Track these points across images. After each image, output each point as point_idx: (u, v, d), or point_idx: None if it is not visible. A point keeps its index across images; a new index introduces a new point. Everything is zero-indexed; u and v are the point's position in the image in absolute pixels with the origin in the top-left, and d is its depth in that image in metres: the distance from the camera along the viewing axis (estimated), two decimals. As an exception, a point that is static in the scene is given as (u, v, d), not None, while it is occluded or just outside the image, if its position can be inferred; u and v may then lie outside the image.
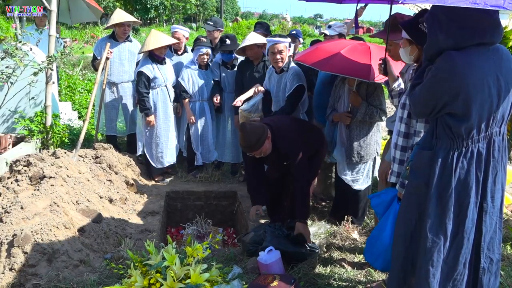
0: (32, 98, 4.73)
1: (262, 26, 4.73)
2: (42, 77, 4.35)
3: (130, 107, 4.96)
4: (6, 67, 4.18)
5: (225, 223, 4.52)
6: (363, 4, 4.33)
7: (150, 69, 4.30)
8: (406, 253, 1.99)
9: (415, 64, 2.43)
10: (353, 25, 4.42)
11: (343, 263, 2.91)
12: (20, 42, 4.25)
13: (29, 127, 4.46)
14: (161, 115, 4.48)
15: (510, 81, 1.77)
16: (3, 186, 3.19)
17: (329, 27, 4.37)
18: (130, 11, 27.06)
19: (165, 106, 4.50)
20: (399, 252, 2.01)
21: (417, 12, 2.83)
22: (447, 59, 1.73)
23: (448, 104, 1.75)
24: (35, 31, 4.89)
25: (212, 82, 4.58)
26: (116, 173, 4.19)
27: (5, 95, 4.39)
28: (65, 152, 3.84)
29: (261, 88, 3.82)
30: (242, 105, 3.84)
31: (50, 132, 4.47)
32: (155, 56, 4.32)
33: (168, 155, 4.63)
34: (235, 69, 4.44)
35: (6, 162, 3.95)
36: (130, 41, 4.91)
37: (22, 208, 2.76)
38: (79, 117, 6.46)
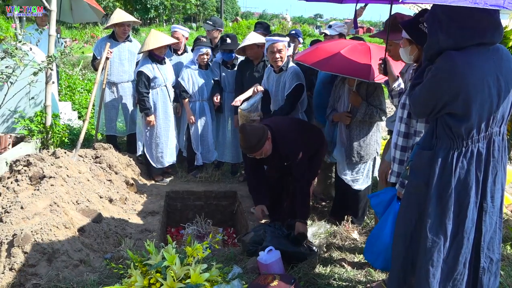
0: (32, 98, 4.73)
1: (262, 26, 4.73)
2: (42, 77, 4.35)
3: (130, 107, 4.96)
4: (6, 67, 4.17)
5: (225, 223, 4.52)
6: (362, 4, 4.33)
7: (150, 69, 4.30)
8: (406, 253, 1.99)
9: (415, 64, 2.43)
10: (353, 26, 4.42)
11: (343, 263, 2.91)
12: (20, 42, 4.25)
13: (29, 127, 4.46)
14: (161, 115, 4.48)
15: (510, 81, 1.77)
16: (3, 186, 3.18)
17: (330, 27, 4.38)
18: (130, 11, 27.06)
19: (165, 106, 4.50)
20: (399, 252, 2.01)
21: (417, 12, 2.84)
22: (447, 59, 1.73)
23: (448, 104, 1.75)
24: (35, 31, 4.88)
25: (212, 82, 4.58)
26: (116, 173, 4.19)
27: (5, 95, 4.39)
28: (65, 152, 3.84)
29: (260, 88, 3.82)
30: (241, 104, 3.84)
31: (50, 132, 4.47)
32: (155, 56, 4.32)
33: (168, 155, 4.63)
34: (235, 68, 4.45)
35: (6, 162, 3.95)
36: (130, 41, 4.91)
37: (22, 208, 2.76)
38: (79, 117, 6.46)
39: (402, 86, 2.69)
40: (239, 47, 4.15)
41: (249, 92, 3.92)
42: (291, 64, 3.67)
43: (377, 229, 2.37)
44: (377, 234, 2.36)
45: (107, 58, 4.60)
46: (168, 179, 4.73)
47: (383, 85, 3.15)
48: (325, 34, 4.53)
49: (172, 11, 34.42)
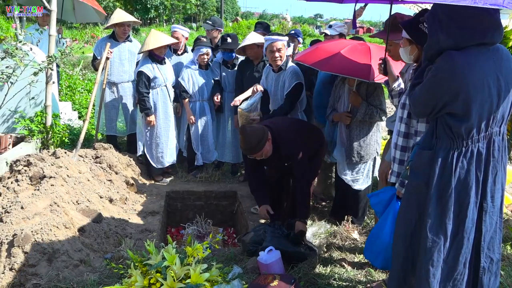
0: (32, 98, 4.73)
1: (262, 26, 4.74)
2: (42, 77, 4.35)
3: (130, 107, 4.96)
4: (6, 67, 4.18)
5: (225, 223, 4.52)
6: (362, 4, 4.33)
7: (150, 69, 4.31)
8: (406, 253, 1.99)
9: (415, 64, 2.43)
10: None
11: (343, 263, 2.91)
12: (20, 42, 4.25)
13: (29, 127, 4.46)
14: (161, 115, 4.49)
15: (510, 81, 1.77)
16: (3, 186, 3.19)
17: (330, 26, 4.38)
18: (130, 11, 27.06)
19: (165, 106, 4.50)
20: (399, 252, 2.01)
21: (417, 12, 2.84)
22: (447, 59, 1.73)
23: (448, 104, 1.75)
24: (35, 31, 4.88)
25: (212, 81, 4.58)
26: (116, 173, 4.19)
27: (5, 95, 4.39)
28: (65, 152, 3.84)
29: (260, 87, 3.82)
30: (240, 104, 3.84)
31: (50, 132, 4.47)
32: (155, 56, 4.32)
33: (168, 155, 4.63)
34: (236, 68, 4.45)
35: (6, 162, 3.95)
36: (130, 41, 4.91)
37: (22, 208, 2.76)
38: (79, 117, 6.46)
39: (402, 86, 2.69)
40: (239, 46, 4.16)
41: (248, 92, 3.92)
42: (290, 63, 3.67)
43: (377, 228, 2.37)
44: (376, 233, 2.36)
45: (107, 58, 4.60)
46: (168, 179, 4.73)
47: (383, 85, 3.15)
48: (325, 34, 4.53)
49: (172, 11, 34.42)
